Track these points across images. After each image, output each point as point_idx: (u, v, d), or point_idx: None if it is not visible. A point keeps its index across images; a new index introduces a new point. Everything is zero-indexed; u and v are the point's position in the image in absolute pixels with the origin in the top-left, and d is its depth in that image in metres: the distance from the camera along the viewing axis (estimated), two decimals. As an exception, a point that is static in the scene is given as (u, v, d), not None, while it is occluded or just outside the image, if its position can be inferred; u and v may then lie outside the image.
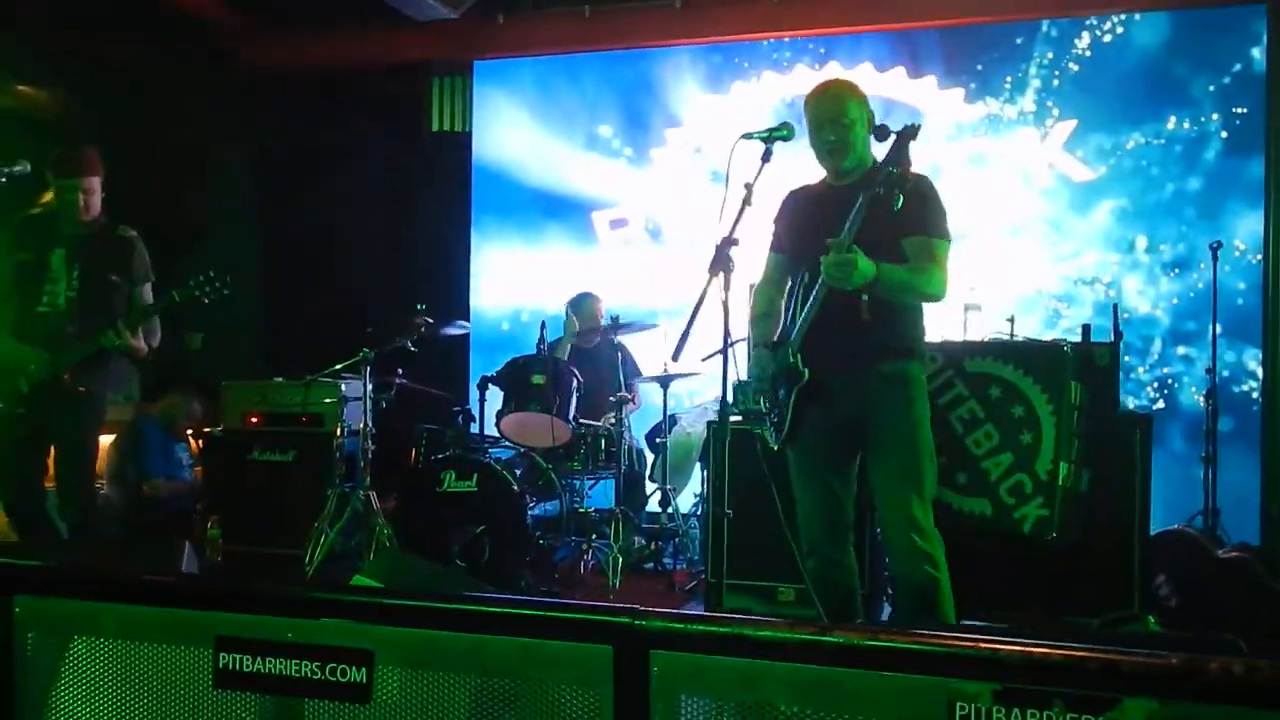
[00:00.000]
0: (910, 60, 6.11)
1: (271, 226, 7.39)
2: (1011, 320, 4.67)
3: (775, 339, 3.07)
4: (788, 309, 3.08)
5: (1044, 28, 5.92)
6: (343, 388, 5.38)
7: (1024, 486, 3.56)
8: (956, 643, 1.34)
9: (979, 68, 6.07)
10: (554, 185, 6.85)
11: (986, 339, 4.14)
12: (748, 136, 2.86)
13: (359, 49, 6.92)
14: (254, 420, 5.60)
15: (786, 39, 6.34)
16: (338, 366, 5.22)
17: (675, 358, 2.70)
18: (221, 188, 7.29)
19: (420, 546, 4.67)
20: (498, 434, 5.14)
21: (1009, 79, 6.01)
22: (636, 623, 1.42)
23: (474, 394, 5.37)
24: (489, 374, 5.22)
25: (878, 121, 2.92)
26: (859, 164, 3.00)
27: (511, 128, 6.93)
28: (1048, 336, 5.54)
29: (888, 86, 6.10)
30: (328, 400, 5.41)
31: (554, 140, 6.85)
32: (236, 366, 6.44)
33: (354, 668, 1.51)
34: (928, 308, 3.10)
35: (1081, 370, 3.64)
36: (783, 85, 6.36)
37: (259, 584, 1.62)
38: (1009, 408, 3.59)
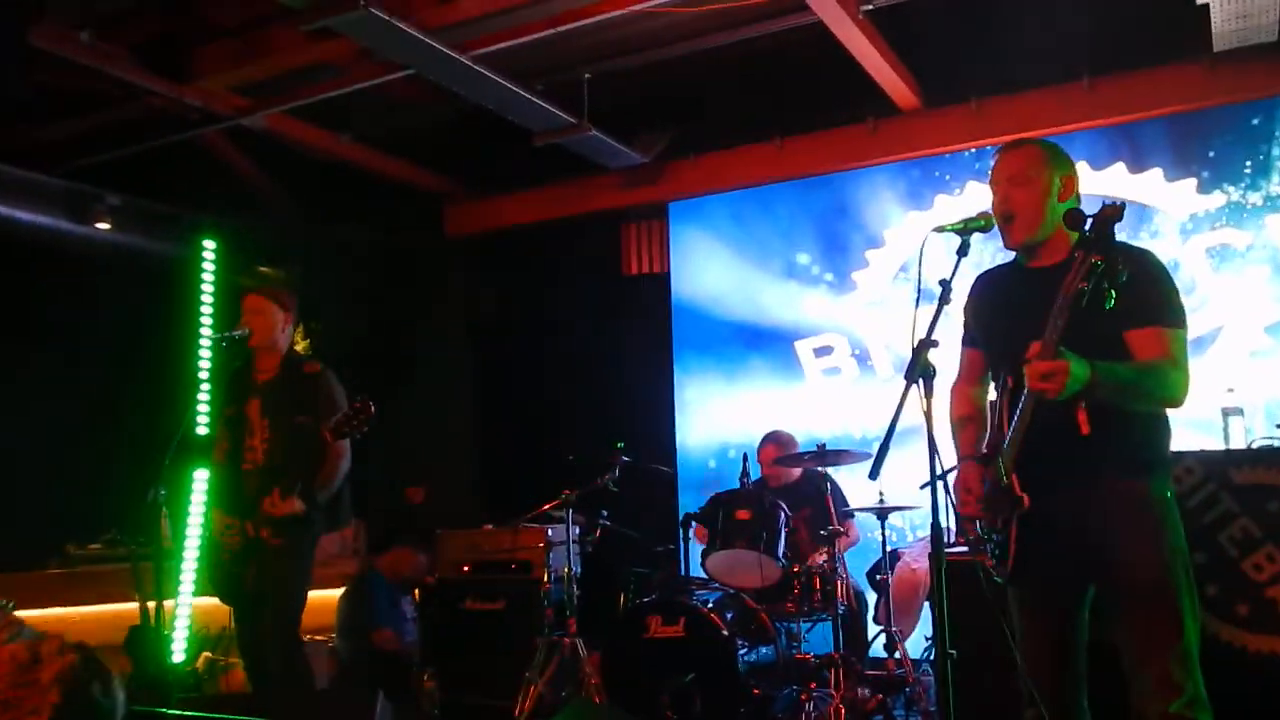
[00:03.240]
0: (1131, 154, 5.65)
1: (482, 378, 7.63)
2: (1281, 426, 4.04)
3: (985, 449, 2.69)
4: (994, 417, 2.70)
5: (1284, 103, 5.35)
6: (549, 532, 5.32)
7: (1324, 618, 2.96)
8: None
9: (1211, 154, 5.53)
10: (754, 317, 6.72)
11: (1254, 446, 3.57)
12: (940, 229, 2.61)
13: (556, 203, 7.16)
14: (466, 569, 5.61)
15: (990, 146, 6.04)
16: (542, 510, 5.17)
17: (873, 475, 2.40)
18: (438, 345, 7.62)
19: (628, 697, 4.44)
20: (704, 574, 4.90)
21: (1249, 163, 5.43)
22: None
23: (680, 533, 5.16)
24: (693, 511, 5.02)
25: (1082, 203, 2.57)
26: (1052, 240, 2.62)
27: (708, 263, 6.91)
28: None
29: (1107, 184, 5.66)
30: (535, 546, 5.36)
31: (752, 272, 6.76)
32: (457, 515, 6.55)
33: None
34: (1178, 416, 2.63)
35: (1381, 475, 3.05)
36: (989, 195, 6.01)
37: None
38: (1293, 523, 3.03)
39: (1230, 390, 4.00)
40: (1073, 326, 2.30)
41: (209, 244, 6.15)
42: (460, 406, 7.51)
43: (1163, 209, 5.58)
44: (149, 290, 6.20)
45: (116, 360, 6.34)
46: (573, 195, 7.07)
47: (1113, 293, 2.23)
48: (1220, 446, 3.82)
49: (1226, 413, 3.91)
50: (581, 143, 6.09)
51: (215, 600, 4.29)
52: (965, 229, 2.58)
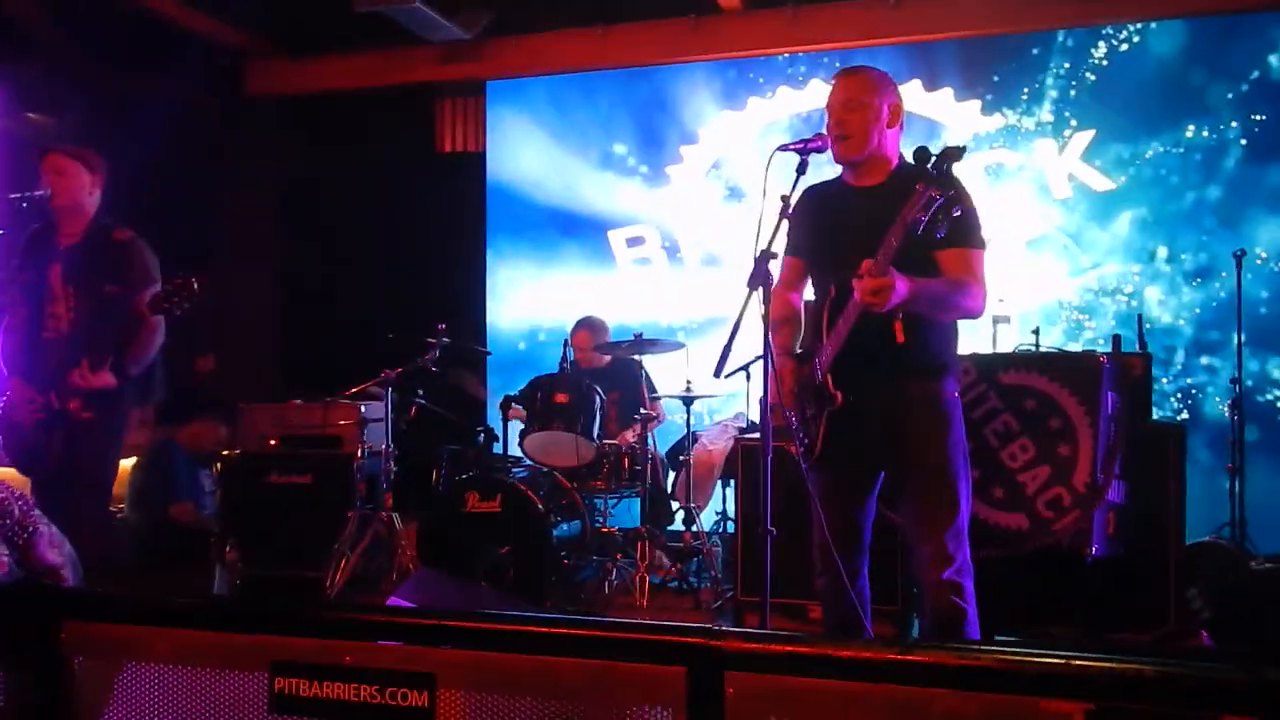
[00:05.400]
0: (927, 73, 6.10)
1: (286, 250, 7.38)
2: (1036, 332, 4.63)
3: (799, 349, 3.00)
4: (812, 321, 3.00)
5: (1060, 38, 5.91)
6: (363, 409, 5.34)
7: (1061, 499, 3.51)
8: (1047, 660, 1.30)
9: (995, 79, 6.06)
10: (569, 204, 6.84)
11: (1015, 351, 4.10)
12: (783, 148, 2.82)
13: (370, 72, 6.92)
14: (272, 443, 5.56)
15: (801, 54, 6.33)
16: (355, 389, 5.19)
17: (718, 374, 2.64)
18: (234, 212, 7.28)
19: (445, 568, 4.62)
20: (521, 453, 5.11)
21: (1026, 90, 6.00)
22: (712, 643, 1.37)
23: (495, 413, 5.33)
24: (511, 394, 5.19)
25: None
26: (875, 161, 2.87)
27: (525, 147, 6.93)
28: (1071, 348, 5.54)
29: (905, 100, 6.07)
30: (346, 421, 5.37)
31: (569, 159, 6.84)
32: (256, 389, 6.40)
33: (416, 691, 1.47)
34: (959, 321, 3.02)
35: (1117, 381, 3.60)
36: (798, 100, 6.34)
37: (315, 607, 1.58)
38: (1045, 420, 3.54)
39: (1001, 300, 4.53)
40: (899, 247, 2.57)
41: (-19, 86, 5.57)
42: (261, 278, 7.26)
43: (950, 126, 6.08)
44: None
45: None
46: (388, 64, 6.85)
47: (944, 225, 2.50)
48: (988, 350, 4.35)
49: (996, 320, 4.44)
50: (403, 13, 5.90)
51: (11, 471, 4.10)
52: (805, 149, 2.80)
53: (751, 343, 2.78)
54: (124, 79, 6.47)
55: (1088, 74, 5.88)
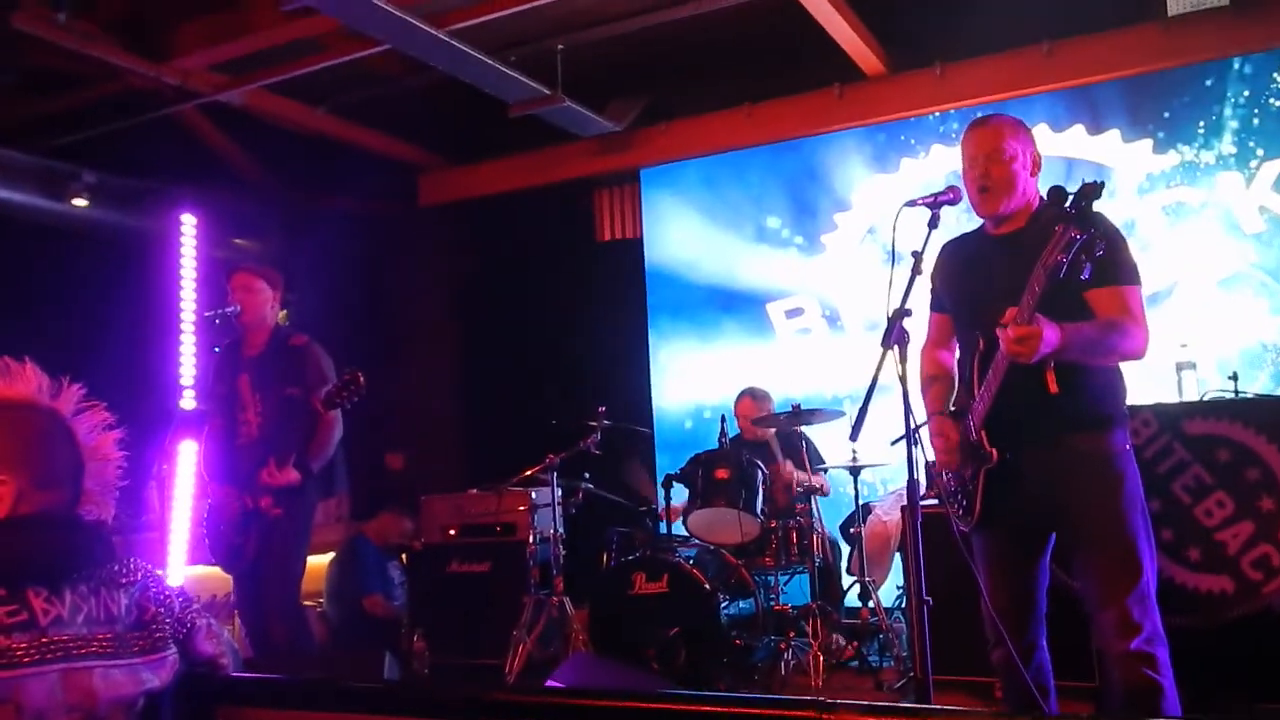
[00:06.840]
0: (1089, 116, 5.84)
1: (462, 345, 7.72)
2: (1234, 377, 4.25)
3: (953, 406, 2.87)
4: (963, 377, 2.87)
5: (1236, 65, 5.54)
6: (533, 495, 5.47)
7: (1270, 558, 3.18)
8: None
9: (1166, 115, 5.73)
10: (726, 280, 6.87)
11: (1206, 398, 3.79)
12: (911, 204, 2.76)
13: (530, 171, 7.23)
14: (452, 533, 5.75)
15: (953, 110, 6.19)
16: (527, 474, 5.32)
17: (853, 437, 2.57)
18: (416, 314, 7.70)
19: (616, 651, 4.62)
20: (686, 533, 5.08)
21: (1202, 123, 5.63)
22: (823, 716, 1.31)
23: (660, 493, 5.33)
24: (673, 472, 5.19)
25: (1060, 182, 2.70)
26: (1018, 209, 2.77)
27: (681, 228, 7.04)
28: None
29: (1067, 146, 5.85)
30: (520, 508, 5.50)
31: (723, 236, 6.90)
32: (440, 480, 6.66)
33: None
34: (1134, 370, 2.82)
35: (1323, 425, 3.26)
36: (953, 158, 6.16)
37: (454, 689, 1.61)
38: (1242, 471, 3.24)
39: (1184, 345, 4.21)
40: (1044, 293, 2.44)
41: (188, 219, 6.16)
42: (441, 374, 7.61)
43: (1120, 169, 5.78)
44: (127, 265, 6.20)
45: (93, 336, 6.33)
46: (546, 163, 7.15)
47: (1089, 265, 2.36)
48: (1174, 399, 4.04)
49: (1180, 366, 4.11)
50: (555, 113, 6.17)
51: (209, 569, 4.41)
52: (935, 203, 2.72)
53: (893, 404, 2.69)
54: (313, 199, 7.03)
55: (1271, 100, 5.47)
